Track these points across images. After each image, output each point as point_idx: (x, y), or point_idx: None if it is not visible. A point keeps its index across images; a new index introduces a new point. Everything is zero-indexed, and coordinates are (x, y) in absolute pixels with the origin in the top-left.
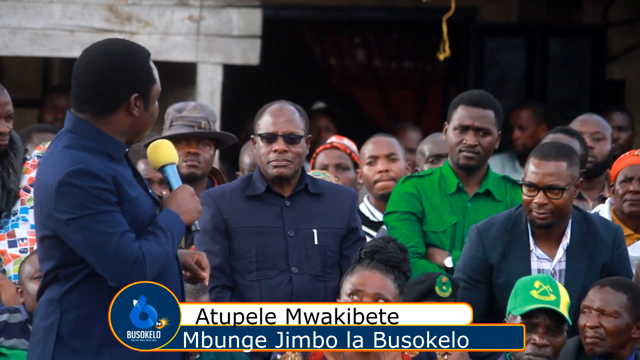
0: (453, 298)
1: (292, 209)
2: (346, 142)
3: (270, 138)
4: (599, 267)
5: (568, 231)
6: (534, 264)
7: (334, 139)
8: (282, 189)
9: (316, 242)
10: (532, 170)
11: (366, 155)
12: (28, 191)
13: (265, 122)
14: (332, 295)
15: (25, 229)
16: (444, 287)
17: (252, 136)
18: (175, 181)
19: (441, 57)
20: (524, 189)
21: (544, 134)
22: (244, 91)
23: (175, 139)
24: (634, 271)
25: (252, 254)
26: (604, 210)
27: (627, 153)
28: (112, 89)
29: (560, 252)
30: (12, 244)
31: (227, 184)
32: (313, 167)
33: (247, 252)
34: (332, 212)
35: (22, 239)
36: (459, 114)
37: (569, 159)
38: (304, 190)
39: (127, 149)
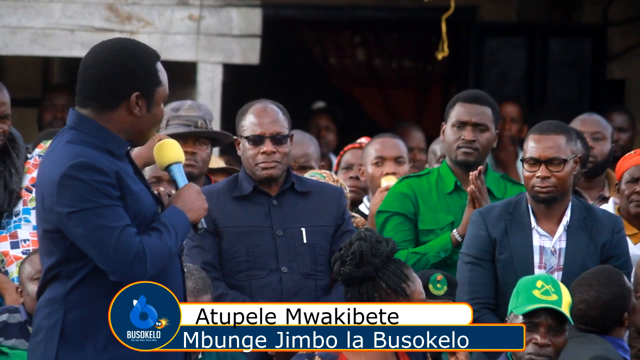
0: (449, 297)
1: (279, 208)
2: None
3: (257, 140)
4: (599, 246)
5: (568, 211)
6: (536, 240)
7: (363, 140)
8: (269, 189)
9: (305, 241)
10: (532, 145)
11: (373, 155)
12: (30, 191)
13: (249, 124)
14: (323, 293)
15: (27, 230)
16: (438, 285)
17: (235, 137)
18: (182, 180)
19: (439, 56)
20: (525, 166)
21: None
22: (244, 91)
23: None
24: (633, 270)
25: (241, 253)
26: (608, 209)
27: (632, 152)
28: (112, 85)
29: (561, 230)
30: (14, 245)
31: (213, 185)
32: (338, 165)
33: (237, 252)
34: (319, 210)
35: (25, 240)
36: (457, 111)
37: (567, 133)
38: (291, 189)
39: (128, 147)
